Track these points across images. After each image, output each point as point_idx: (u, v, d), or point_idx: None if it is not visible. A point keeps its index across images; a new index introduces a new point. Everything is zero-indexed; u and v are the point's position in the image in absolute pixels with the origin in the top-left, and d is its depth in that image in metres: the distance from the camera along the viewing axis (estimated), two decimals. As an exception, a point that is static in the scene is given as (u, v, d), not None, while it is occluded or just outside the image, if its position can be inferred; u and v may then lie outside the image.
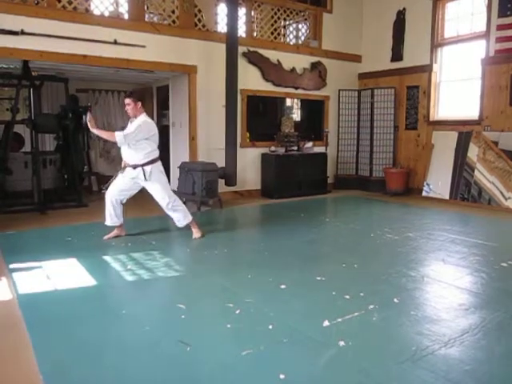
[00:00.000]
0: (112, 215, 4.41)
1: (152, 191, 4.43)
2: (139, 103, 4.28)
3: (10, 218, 5.40)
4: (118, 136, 4.12)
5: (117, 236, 4.50)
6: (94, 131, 4.23)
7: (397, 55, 7.93)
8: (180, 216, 4.53)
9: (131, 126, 4.25)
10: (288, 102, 8.21)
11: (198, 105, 6.74)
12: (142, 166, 4.26)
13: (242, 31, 7.01)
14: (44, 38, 5.37)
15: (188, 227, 4.63)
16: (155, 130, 4.35)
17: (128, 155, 4.31)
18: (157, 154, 4.37)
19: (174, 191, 6.93)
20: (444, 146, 7.10)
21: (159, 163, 4.41)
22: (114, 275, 3.42)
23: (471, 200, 6.62)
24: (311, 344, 2.32)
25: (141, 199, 7.35)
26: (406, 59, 7.80)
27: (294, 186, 7.43)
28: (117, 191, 4.39)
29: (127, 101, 4.24)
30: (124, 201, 4.51)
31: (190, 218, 4.57)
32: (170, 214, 4.54)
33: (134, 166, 4.28)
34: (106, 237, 4.47)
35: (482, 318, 2.63)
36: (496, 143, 6.42)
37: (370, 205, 6.95)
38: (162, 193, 4.41)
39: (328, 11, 8.13)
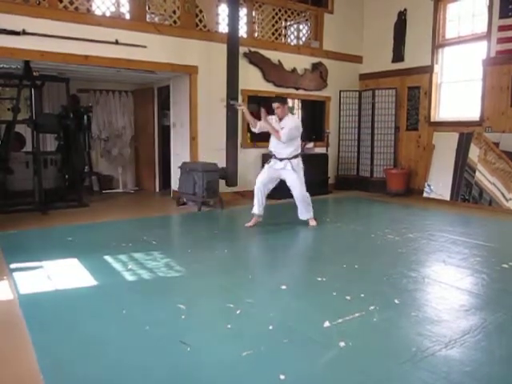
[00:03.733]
0: (260, 204, 5.00)
1: (293, 182, 4.97)
2: (286, 105, 4.94)
3: (11, 217, 5.41)
4: (283, 136, 4.76)
5: (256, 223, 5.06)
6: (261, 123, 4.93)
7: (398, 56, 7.93)
8: (308, 208, 5.10)
9: (286, 126, 4.79)
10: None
11: (198, 105, 6.74)
12: (290, 159, 4.87)
13: (243, 32, 7.02)
14: (45, 38, 5.38)
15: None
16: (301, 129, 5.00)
17: (279, 149, 4.90)
18: (300, 150, 4.99)
19: (174, 191, 7.02)
20: (445, 146, 7.10)
21: (300, 158, 5.00)
22: (115, 275, 3.41)
23: (472, 201, 6.61)
24: (312, 345, 2.32)
25: (141, 200, 7.38)
26: (407, 60, 7.80)
27: (295, 186, 7.40)
28: (265, 181, 5.01)
29: (276, 105, 4.84)
30: (268, 192, 5.07)
31: (312, 214, 5.15)
32: (301, 204, 5.06)
33: (281, 159, 4.89)
34: (247, 224, 5.02)
35: (483, 319, 2.63)
36: (497, 144, 6.42)
37: (370, 205, 6.95)
38: (302, 184, 4.99)
39: (329, 12, 8.14)
